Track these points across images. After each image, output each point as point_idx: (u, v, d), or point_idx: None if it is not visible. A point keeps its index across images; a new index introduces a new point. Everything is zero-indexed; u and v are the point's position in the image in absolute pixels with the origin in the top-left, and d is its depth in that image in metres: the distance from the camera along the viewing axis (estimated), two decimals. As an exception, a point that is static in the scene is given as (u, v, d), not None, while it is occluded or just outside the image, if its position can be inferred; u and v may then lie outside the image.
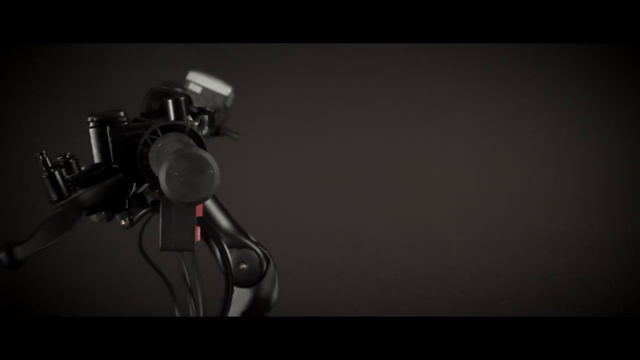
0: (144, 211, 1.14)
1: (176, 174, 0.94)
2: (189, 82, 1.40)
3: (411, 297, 2.60)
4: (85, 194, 1.09)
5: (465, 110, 2.66)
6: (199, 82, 1.40)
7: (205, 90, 1.40)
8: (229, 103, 1.38)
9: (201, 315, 1.27)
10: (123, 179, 1.10)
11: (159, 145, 1.04)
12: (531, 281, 2.62)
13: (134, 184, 1.12)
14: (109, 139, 1.11)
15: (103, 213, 1.12)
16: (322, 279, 2.60)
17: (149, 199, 1.14)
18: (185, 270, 1.28)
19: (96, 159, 1.12)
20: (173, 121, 1.11)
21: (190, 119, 1.16)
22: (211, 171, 0.95)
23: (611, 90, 2.64)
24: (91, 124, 1.13)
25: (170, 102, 1.13)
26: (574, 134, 2.65)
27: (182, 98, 1.13)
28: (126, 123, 1.13)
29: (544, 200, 2.65)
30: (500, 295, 2.60)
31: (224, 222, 1.27)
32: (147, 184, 1.12)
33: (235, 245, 1.27)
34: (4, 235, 2.76)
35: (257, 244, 1.29)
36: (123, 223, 1.14)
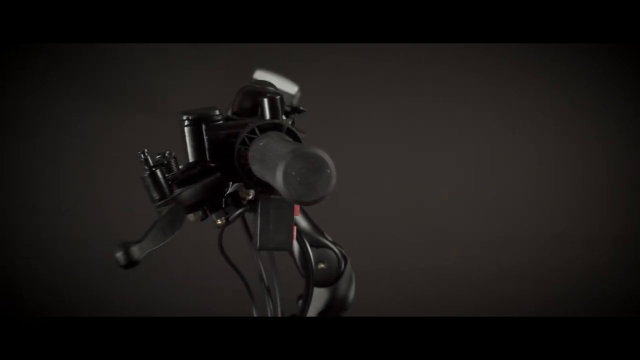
0: (240, 210, 1.12)
1: (293, 173, 0.92)
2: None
3: (413, 296, 2.60)
4: (185, 193, 1.08)
5: (465, 110, 2.66)
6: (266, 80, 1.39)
7: None
8: (295, 102, 1.37)
9: (279, 315, 1.26)
10: (221, 177, 1.09)
11: (261, 144, 1.03)
12: (536, 280, 2.62)
13: (230, 183, 1.11)
14: (205, 137, 1.10)
15: (200, 212, 1.11)
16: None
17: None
18: (262, 270, 1.26)
19: (191, 158, 1.11)
20: (271, 120, 1.10)
21: (284, 117, 1.15)
22: (328, 170, 0.93)
23: (611, 90, 2.64)
24: (186, 122, 1.11)
25: (265, 100, 1.11)
26: (574, 134, 2.65)
27: (277, 97, 1.12)
28: (221, 122, 1.11)
29: (544, 200, 2.65)
30: (504, 294, 2.60)
31: (302, 221, 1.26)
32: (239, 183, 1.12)
33: (314, 244, 1.26)
34: (3, 236, 2.77)
35: (334, 243, 1.28)
36: (219, 222, 1.13)
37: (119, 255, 0.99)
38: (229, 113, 1.16)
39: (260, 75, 1.35)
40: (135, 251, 1.00)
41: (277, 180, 0.92)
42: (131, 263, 0.99)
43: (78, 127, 2.57)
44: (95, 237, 2.55)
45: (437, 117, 2.66)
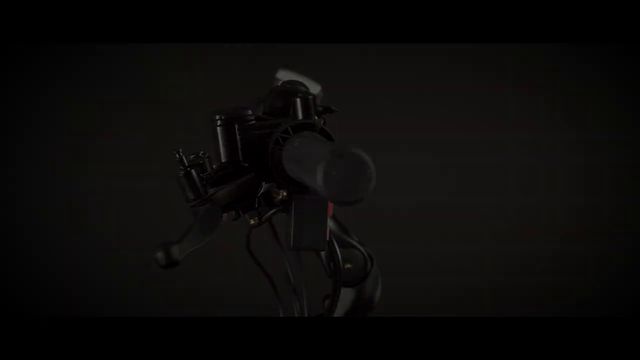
0: (273, 210, 1.13)
1: (334, 173, 0.91)
2: (278, 80, 1.38)
3: (418, 296, 2.60)
4: (219, 193, 1.09)
5: (466, 111, 2.66)
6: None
7: None
8: (318, 102, 1.37)
9: (305, 315, 1.26)
10: (254, 177, 1.09)
11: (295, 144, 1.03)
12: (536, 280, 2.62)
13: (263, 183, 1.11)
14: (238, 137, 1.10)
15: (233, 212, 1.12)
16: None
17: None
18: (289, 270, 1.26)
19: (223, 158, 1.11)
20: (304, 120, 1.10)
21: (316, 117, 1.15)
22: (369, 170, 0.93)
23: (611, 90, 2.64)
24: (219, 122, 1.11)
25: (298, 100, 1.12)
26: (574, 134, 2.65)
27: (309, 97, 1.13)
28: (253, 122, 1.11)
29: (546, 200, 2.65)
30: (505, 294, 2.60)
31: (329, 221, 1.24)
32: (271, 183, 1.12)
33: (340, 244, 1.25)
34: (3, 236, 2.76)
35: (360, 243, 1.28)
36: (252, 222, 1.13)
37: (160, 255, 0.99)
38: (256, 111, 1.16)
39: (283, 74, 1.34)
40: (176, 251, 1.00)
41: (317, 180, 0.91)
42: (171, 263, 1.00)
43: (77, 127, 2.57)
44: (95, 236, 2.55)
45: (442, 117, 2.66)
